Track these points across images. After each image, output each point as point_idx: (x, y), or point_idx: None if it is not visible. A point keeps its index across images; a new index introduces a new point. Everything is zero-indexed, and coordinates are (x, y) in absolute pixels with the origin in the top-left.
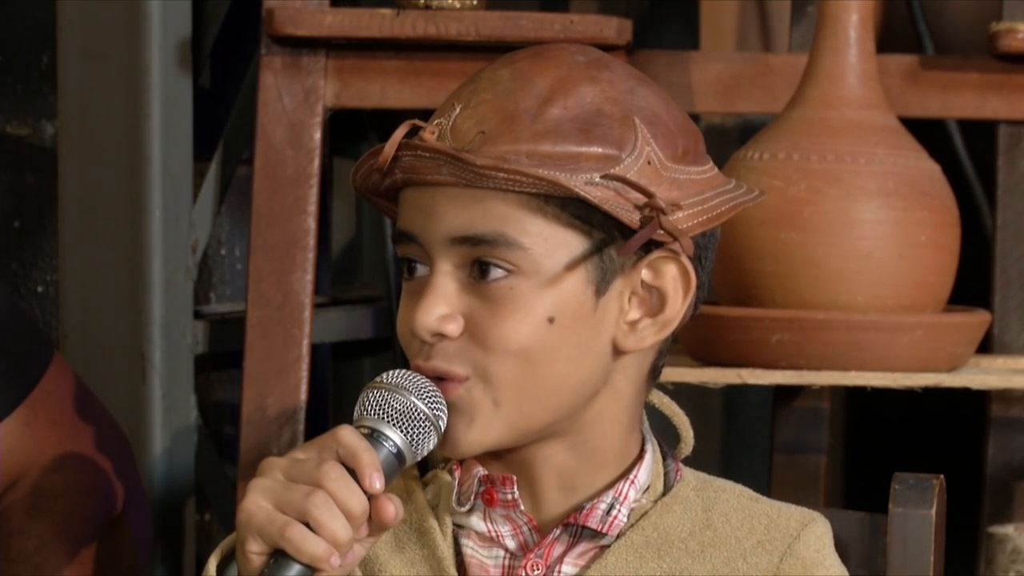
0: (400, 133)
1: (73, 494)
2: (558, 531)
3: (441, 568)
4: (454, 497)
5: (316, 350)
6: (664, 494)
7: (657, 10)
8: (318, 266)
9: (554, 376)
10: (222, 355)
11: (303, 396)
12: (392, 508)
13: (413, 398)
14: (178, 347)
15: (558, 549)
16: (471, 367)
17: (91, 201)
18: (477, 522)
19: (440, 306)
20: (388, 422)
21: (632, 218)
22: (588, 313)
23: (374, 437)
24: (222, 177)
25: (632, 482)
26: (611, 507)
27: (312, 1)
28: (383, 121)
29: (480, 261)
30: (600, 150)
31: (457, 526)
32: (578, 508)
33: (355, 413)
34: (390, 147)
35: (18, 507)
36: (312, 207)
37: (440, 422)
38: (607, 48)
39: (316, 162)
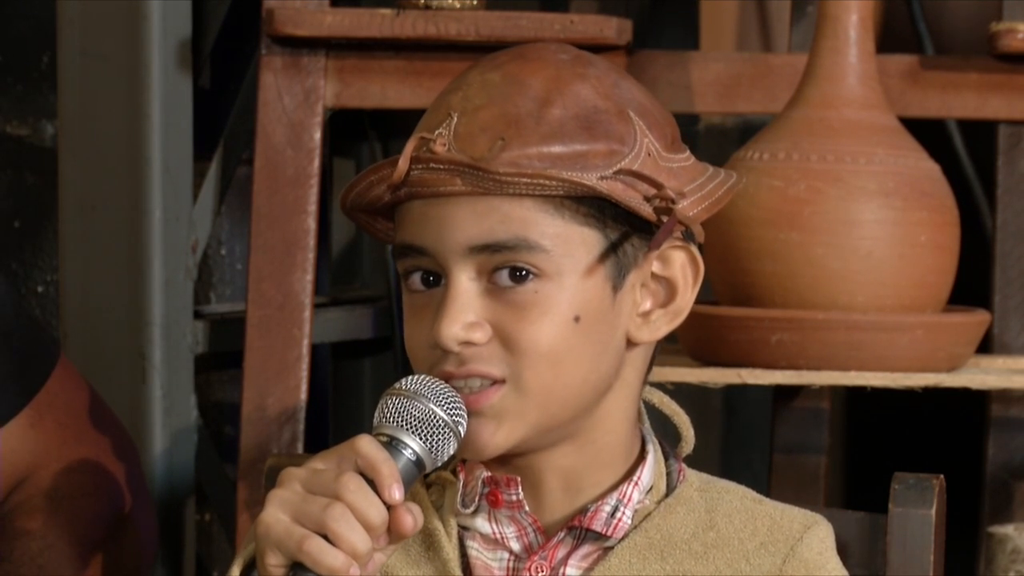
0: (410, 148)
1: (78, 496)
2: (562, 534)
3: (446, 570)
4: (458, 499)
5: (316, 350)
6: (667, 495)
7: (657, 10)
8: (318, 266)
9: (579, 375)
10: (222, 355)
11: (303, 396)
12: (410, 519)
13: (432, 405)
14: (178, 347)
15: (562, 551)
16: (507, 370)
17: (91, 201)
18: (482, 524)
19: (465, 314)
20: (407, 429)
21: (647, 210)
22: (607, 308)
23: (393, 445)
24: (222, 177)
25: (636, 483)
26: (615, 509)
27: (312, 1)
28: (383, 121)
29: (502, 267)
30: (605, 146)
31: (462, 528)
32: (582, 510)
33: (374, 420)
34: (404, 162)
35: (23, 509)
36: (312, 207)
37: (459, 428)
38: (607, 48)
39: (316, 162)
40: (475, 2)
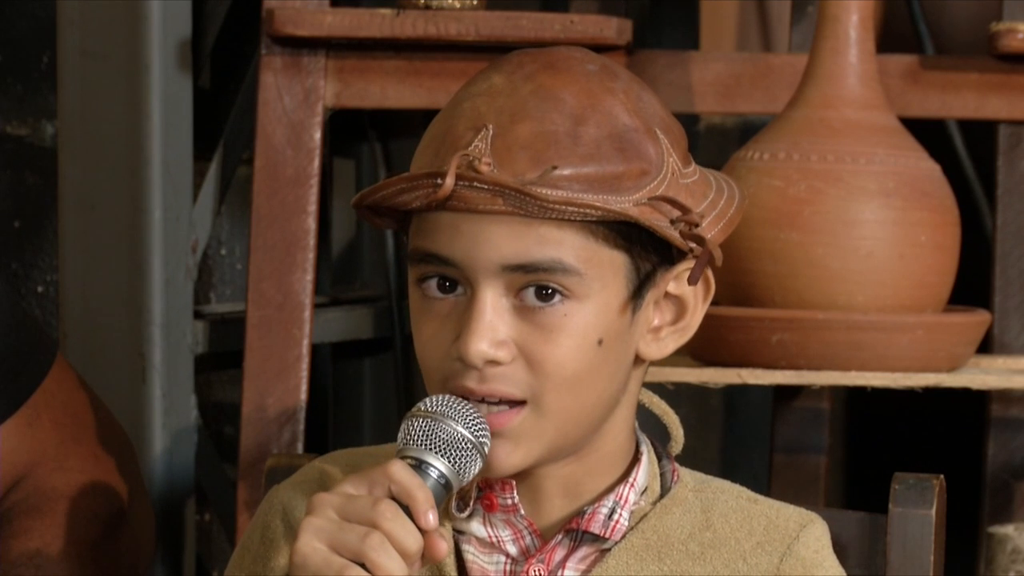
0: (454, 165)
1: (75, 495)
2: (560, 536)
3: (443, 574)
4: (454, 503)
5: (316, 350)
6: (662, 496)
7: (657, 10)
8: (318, 266)
9: (595, 395)
10: (222, 355)
11: (303, 396)
12: (444, 545)
13: (459, 427)
14: (178, 347)
15: (559, 554)
16: (528, 392)
17: (91, 201)
18: (477, 527)
19: (495, 331)
20: (434, 451)
21: (674, 235)
22: (626, 329)
23: (421, 468)
24: (222, 177)
25: (632, 485)
26: (612, 511)
27: (312, 1)
28: (383, 121)
29: (534, 287)
30: (636, 167)
31: (458, 532)
32: (579, 513)
33: (398, 442)
34: (451, 180)
35: (20, 508)
36: (312, 207)
37: (484, 448)
38: (607, 48)
39: (316, 162)
40: (475, 2)
